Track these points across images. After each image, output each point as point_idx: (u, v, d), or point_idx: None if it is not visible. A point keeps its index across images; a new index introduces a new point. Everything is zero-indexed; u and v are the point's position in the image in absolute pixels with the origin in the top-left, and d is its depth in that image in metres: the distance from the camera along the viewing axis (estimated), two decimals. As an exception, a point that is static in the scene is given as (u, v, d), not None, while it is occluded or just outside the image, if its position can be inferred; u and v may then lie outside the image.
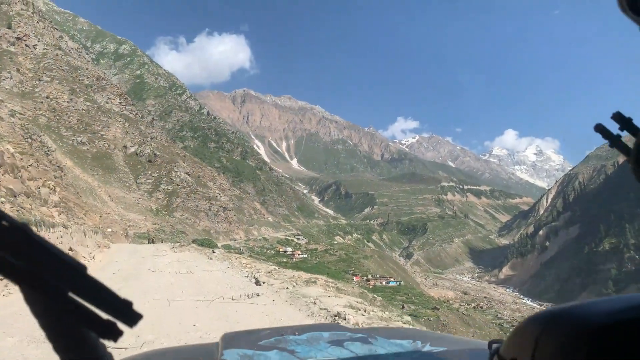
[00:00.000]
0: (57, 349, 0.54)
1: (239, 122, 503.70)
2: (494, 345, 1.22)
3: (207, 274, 15.44)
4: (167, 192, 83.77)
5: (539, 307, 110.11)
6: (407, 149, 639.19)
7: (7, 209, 11.97)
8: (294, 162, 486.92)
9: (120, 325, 0.53)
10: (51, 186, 28.06)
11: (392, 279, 72.42)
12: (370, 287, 57.45)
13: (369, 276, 69.87)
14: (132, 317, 0.52)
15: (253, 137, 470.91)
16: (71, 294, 0.52)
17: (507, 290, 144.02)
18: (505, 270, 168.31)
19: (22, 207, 13.46)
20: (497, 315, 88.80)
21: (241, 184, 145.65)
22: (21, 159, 23.96)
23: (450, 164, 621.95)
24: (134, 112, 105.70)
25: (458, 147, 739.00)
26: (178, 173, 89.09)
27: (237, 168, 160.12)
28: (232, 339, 1.94)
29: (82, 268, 0.51)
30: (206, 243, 38.93)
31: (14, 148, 33.93)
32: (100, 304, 0.52)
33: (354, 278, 64.78)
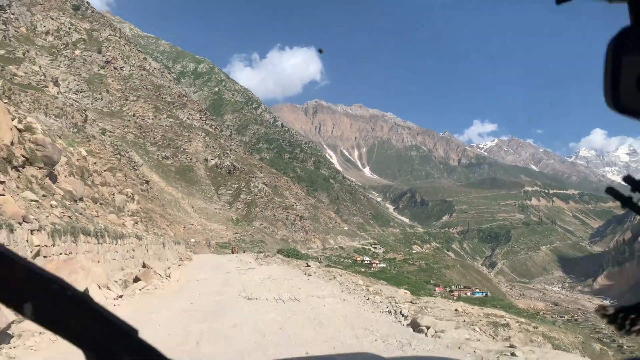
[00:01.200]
0: None
1: (312, 133, 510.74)
2: None
3: (319, 303, 11.05)
4: (246, 202, 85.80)
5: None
6: (485, 153, 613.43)
7: (57, 212, 11.49)
8: (367, 170, 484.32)
9: None
10: (129, 194, 28.22)
11: (477, 290, 68.79)
12: (455, 298, 54.75)
13: (452, 287, 66.93)
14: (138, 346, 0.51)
15: (325, 146, 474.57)
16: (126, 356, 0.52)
17: (604, 301, 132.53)
18: (601, 280, 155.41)
19: (79, 213, 12.97)
20: (594, 329, 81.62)
21: (315, 193, 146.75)
22: (94, 162, 24.49)
23: (533, 167, 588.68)
24: (213, 127, 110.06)
25: (541, 150, 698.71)
26: (256, 183, 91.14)
27: (310, 177, 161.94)
28: None
29: (133, 332, 0.52)
30: (292, 253, 37.98)
31: (103, 163, 35.78)
32: (103, 335, 0.52)
33: (436, 289, 62.19)
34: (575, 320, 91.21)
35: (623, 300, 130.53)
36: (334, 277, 17.59)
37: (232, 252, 46.18)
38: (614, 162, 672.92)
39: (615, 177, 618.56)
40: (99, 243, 12.36)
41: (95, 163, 24.28)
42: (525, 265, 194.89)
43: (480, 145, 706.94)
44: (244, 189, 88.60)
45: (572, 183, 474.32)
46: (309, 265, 23.94)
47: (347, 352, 6.00)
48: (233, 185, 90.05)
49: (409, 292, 15.13)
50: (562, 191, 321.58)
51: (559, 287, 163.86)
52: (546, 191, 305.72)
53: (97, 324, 0.51)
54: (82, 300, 0.50)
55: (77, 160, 17.75)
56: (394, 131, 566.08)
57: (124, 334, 0.52)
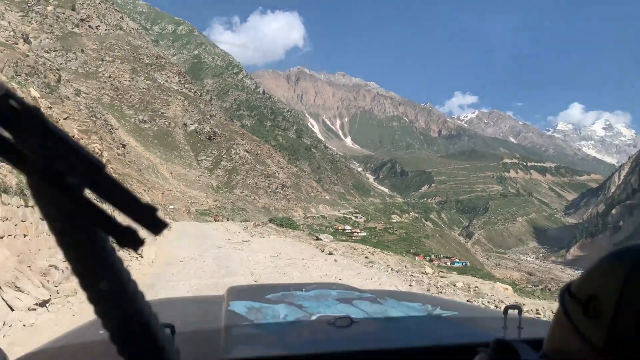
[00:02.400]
0: (69, 257, 0.45)
1: (294, 101, 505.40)
2: (510, 311, 1.18)
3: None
4: (227, 170, 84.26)
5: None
6: (465, 125, 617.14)
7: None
8: (348, 140, 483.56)
9: (142, 233, 0.44)
10: (96, 150, 26.67)
11: (457, 260, 69.41)
12: (436, 266, 54.96)
13: (432, 256, 67.28)
14: (156, 225, 0.44)
15: (307, 115, 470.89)
16: (87, 193, 0.43)
17: (576, 272, 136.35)
18: (574, 251, 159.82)
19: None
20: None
21: (297, 162, 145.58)
22: (49, 107, 22.72)
23: (512, 140, 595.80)
24: (192, 91, 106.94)
25: (520, 123, 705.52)
26: (237, 150, 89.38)
27: (292, 146, 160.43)
28: (238, 292, 1.90)
29: (100, 165, 0.41)
30: (286, 223, 33.21)
31: (78, 126, 33.88)
32: (120, 207, 0.43)
33: (417, 258, 62.47)
34: (549, 290, 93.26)
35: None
36: (369, 259, 13.31)
37: (215, 220, 44.66)
38: (590, 137, 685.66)
39: (591, 151, 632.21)
40: (26, 206, 7.47)
41: (50, 107, 22.79)
42: (501, 235, 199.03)
43: (460, 117, 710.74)
44: (224, 156, 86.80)
45: (549, 156, 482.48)
46: (319, 239, 20.42)
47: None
48: (213, 152, 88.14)
49: (509, 288, 11.25)
50: (539, 164, 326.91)
51: (533, 258, 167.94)
52: (524, 164, 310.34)
53: (51, 147, 0.39)
54: (31, 113, 0.38)
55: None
56: (376, 101, 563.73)
57: (89, 163, 0.41)
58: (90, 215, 0.43)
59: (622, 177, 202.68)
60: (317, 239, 20.36)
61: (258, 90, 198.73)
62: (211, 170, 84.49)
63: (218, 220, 43.99)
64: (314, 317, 1.48)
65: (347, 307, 1.69)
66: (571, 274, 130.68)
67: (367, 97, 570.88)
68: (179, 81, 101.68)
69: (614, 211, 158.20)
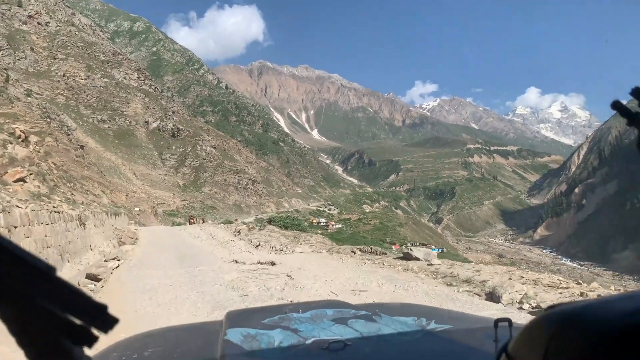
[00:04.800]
0: (29, 356, 0.45)
1: (257, 95, 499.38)
2: (500, 324, 1.20)
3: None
4: (194, 167, 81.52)
5: (579, 267, 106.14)
6: (428, 113, 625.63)
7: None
8: (315, 133, 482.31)
9: (96, 331, 0.44)
10: (17, 132, 22.64)
11: (433, 246, 69.17)
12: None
13: (408, 244, 66.92)
14: (107, 322, 0.45)
15: (272, 109, 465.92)
16: (40, 300, 0.42)
17: (544, 251, 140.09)
18: (540, 231, 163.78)
19: None
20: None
21: (265, 157, 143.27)
22: None
23: (474, 125, 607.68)
24: (153, 87, 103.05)
25: (480, 108, 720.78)
26: (203, 147, 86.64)
27: (259, 141, 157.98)
28: (236, 317, 1.92)
29: (50, 270, 0.44)
30: (291, 223, 27.00)
31: (30, 127, 31.12)
32: (72, 309, 0.45)
33: (393, 247, 61.83)
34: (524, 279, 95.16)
35: (560, 248, 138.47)
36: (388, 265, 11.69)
37: (190, 223, 40.20)
38: (547, 119, 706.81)
39: (549, 133, 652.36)
40: None
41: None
42: (470, 219, 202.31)
43: (423, 106, 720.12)
44: (190, 153, 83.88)
45: (510, 140, 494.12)
46: (412, 256, 12.89)
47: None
48: (178, 149, 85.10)
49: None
50: (501, 148, 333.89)
51: (502, 239, 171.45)
52: (487, 148, 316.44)
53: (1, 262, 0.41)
54: None
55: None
56: (341, 93, 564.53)
57: (39, 272, 0.42)
58: (44, 321, 0.41)
59: (581, 157, 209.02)
60: (408, 257, 13.09)
61: (220, 85, 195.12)
62: (177, 168, 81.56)
63: (193, 223, 39.77)
64: (308, 342, 1.49)
65: (342, 328, 1.69)
66: (539, 254, 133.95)
67: (332, 89, 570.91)
68: (138, 78, 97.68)
69: (576, 190, 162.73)
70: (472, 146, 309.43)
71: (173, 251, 15.82)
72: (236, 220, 46.39)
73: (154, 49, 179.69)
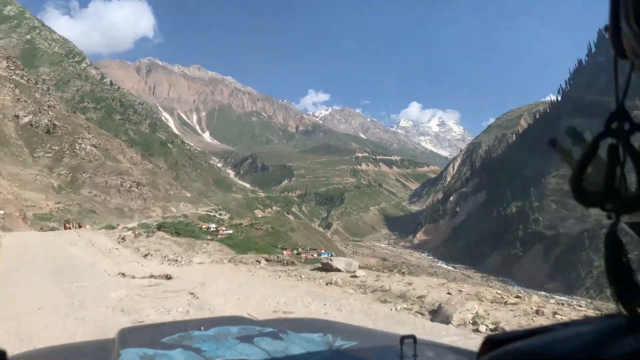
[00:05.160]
0: None
1: (145, 93, 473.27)
2: (405, 340, 1.21)
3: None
4: (71, 167, 75.08)
5: (452, 269, 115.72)
6: (320, 122, 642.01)
7: None
8: (207, 135, 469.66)
9: None
10: None
11: (323, 251, 71.15)
12: (303, 260, 55.60)
13: (299, 249, 68.04)
14: None
15: (161, 109, 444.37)
16: None
17: (423, 254, 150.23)
18: (419, 236, 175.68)
19: None
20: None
21: (152, 158, 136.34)
22: None
23: (362, 135, 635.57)
24: (25, 78, 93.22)
25: (368, 120, 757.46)
26: (83, 145, 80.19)
27: (146, 141, 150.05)
28: (131, 336, 1.77)
29: None
30: (183, 230, 24.19)
31: None
32: None
33: (284, 252, 62.57)
34: (402, 272, 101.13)
35: (437, 252, 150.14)
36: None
37: (65, 228, 36.89)
38: (427, 132, 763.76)
39: (428, 145, 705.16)
40: None
41: None
42: (357, 225, 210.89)
43: (316, 114, 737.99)
44: (67, 152, 77.09)
45: (394, 150, 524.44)
46: (260, 262, 14.05)
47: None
48: (53, 147, 77.75)
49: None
50: (386, 157, 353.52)
51: (385, 244, 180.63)
52: (374, 157, 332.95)
53: None
54: None
55: None
56: (235, 96, 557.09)
57: None
58: None
59: (456, 168, 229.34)
60: (328, 268, 12.20)
61: (105, 81, 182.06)
62: (51, 168, 74.44)
63: (69, 228, 36.55)
64: None
65: (247, 346, 1.61)
66: (419, 257, 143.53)
67: (225, 92, 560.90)
68: (7, 67, 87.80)
69: (451, 198, 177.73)
70: (360, 155, 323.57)
71: (45, 263, 13.40)
72: (118, 225, 43.64)
73: (28, 36, 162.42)
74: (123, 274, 11.45)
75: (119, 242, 19.10)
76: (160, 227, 25.30)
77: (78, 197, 68.42)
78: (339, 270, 11.78)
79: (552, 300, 13.70)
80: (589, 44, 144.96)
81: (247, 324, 2.00)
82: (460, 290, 8.93)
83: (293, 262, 14.64)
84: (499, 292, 9.20)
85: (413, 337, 1.26)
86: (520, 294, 10.29)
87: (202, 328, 1.81)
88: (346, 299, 8.77)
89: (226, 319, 2.14)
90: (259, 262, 14.30)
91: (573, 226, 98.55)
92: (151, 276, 11.14)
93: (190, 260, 14.97)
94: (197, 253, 16.60)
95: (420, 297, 8.40)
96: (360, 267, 12.57)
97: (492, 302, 7.87)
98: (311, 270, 12.44)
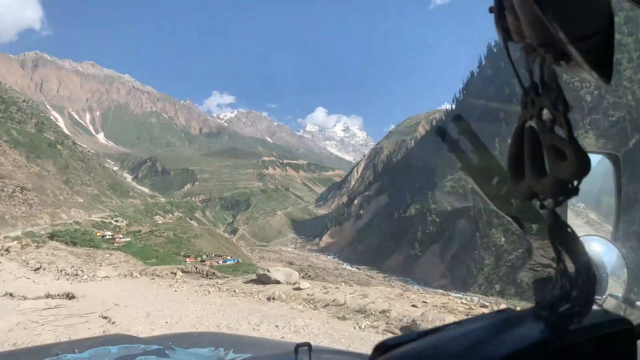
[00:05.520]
0: None
1: (31, 90, 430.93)
2: (300, 349, 1.19)
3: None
4: (-62, 170, 65.50)
5: (357, 270, 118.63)
6: (225, 124, 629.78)
7: None
8: (101, 136, 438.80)
9: None
10: None
11: (228, 257, 68.98)
12: (207, 267, 53.18)
13: (204, 256, 65.33)
14: None
15: (49, 107, 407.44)
16: None
17: (328, 257, 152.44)
18: (325, 239, 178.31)
19: None
20: (322, 285, 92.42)
21: (38, 160, 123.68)
22: None
23: (268, 139, 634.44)
24: None
25: (275, 123, 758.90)
26: (-48, 146, 70.27)
27: (32, 142, 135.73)
28: None
29: None
30: (80, 238, 21.15)
31: None
32: None
33: (188, 259, 59.54)
34: (309, 276, 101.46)
35: (342, 254, 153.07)
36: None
37: None
38: (332, 137, 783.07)
39: (334, 150, 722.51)
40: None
41: None
42: (263, 229, 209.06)
43: (221, 116, 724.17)
44: None
45: (301, 154, 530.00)
46: (175, 274, 12.85)
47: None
48: None
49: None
50: (293, 161, 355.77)
51: (292, 247, 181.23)
52: (281, 161, 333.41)
53: None
54: None
55: None
56: (132, 95, 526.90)
57: None
58: None
59: (359, 172, 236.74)
60: (265, 280, 11.32)
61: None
62: None
63: None
64: None
65: None
66: (325, 260, 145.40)
67: (122, 91, 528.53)
68: None
69: (355, 201, 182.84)
70: (267, 158, 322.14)
71: None
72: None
73: None
74: (10, 295, 9.43)
75: (1, 255, 16.54)
76: (52, 236, 22.46)
77: (-55, 204, 59.80)
78: (278, 282, 10.97)
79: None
80: (480, 57, 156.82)
81: (129, 342, 1.85)
82: (424, 302, 8.49)
83: (214, 274, 13.52)
84: (465, 301, 9.04)
85: (308, 344, 1.24)
86: (467, 302, 10.07)
87: (76, 350, 1.64)
88: (299, 317, 7.75)
89: (105, 339, 1.97)
90: (175, 274, 12.98)
91: (466, 226, 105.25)
92: (48, 296, 9.29)
93: (93, 274, 13.10)
94: (100, 265, 14.87)
95: (383, 311, 7.69)
96: (301, 277, 11.81)
97: (466, 315, 7.26)
98: (245, 283, 11.39)
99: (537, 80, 0.49)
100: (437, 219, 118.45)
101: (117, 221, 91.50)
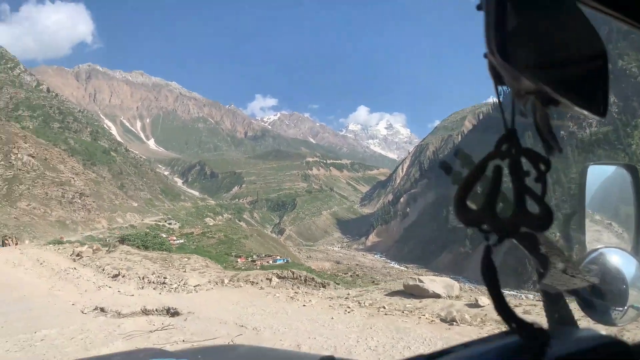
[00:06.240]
0: None
1: (85, 101, 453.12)
2: None
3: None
4: (7, 179, 70.10)
5: (405, 269, 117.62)
6: (269, 127, 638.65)
7: None
8: (152, 142, 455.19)
9: None
10: None
11: (278, 257, 70.23)
12: (258, 267, 54.40)
13: (254, 256, 66.85)
14: None
15: (102, 116, 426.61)
16: None
17: (375, 256, 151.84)
18: (372, 238, 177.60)
19: None
20: (373, 281, 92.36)
21: (94, 167, 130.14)
22: None
23: (311, 140, 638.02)
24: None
25: (317, 124, 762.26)
26: (19, 155, 75.18)
27: (87, 150, 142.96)
28: None
29: None
30: (152, 242, 20.45)
31: None
32: None
33: (239, 260, 61.11)
34: (357, 275, 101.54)
35: (389, 253, 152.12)
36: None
37: (3, 245, 33.38)
38: (375, 135, 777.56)
39: (377, 148, 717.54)
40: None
41: None
42: (310, 229, 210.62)
43: (264, 119, 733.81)
44: (2, 163, 71.89)
45: (344, 154, 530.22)
46: (269, 280, 11.16)
47: None
48: (-14, 159, 72.59)
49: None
50: (337, 161, 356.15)
51: (338, 247, 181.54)
52: (324, 161, 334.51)
53: None
54: None
55: None
56: (180, 102, 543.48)
57: None
58: None
59: (405, 170, 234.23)
60: (413, 291, 9.04)
61: (41, 87, 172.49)
62: (-16, 180, 69.43)
63: (8, 244, 33.05)
64: None
65: None
66: (372, 259, 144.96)
67: (170, 98, 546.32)
68: None
69: (401, 199, 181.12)
70: (310, 159, 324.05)
71: None
72: (61, 237, 40.48)
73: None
74: (102, 310, 8.10)
75: (74, 260, 15.85)
76: (123, 239, 21.72)
77: (15, 210, 63.97)
78: (438, 295, 8.43)
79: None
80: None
81: (158, 356, 1.86)
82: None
83: (313, 279, 10.96)
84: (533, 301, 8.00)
85: (332, 357, 1.25)
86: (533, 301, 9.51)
87: None
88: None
89: (135, 353, 1.94)
90: (270, 279, 10.99)
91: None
92: (145, 311, 7.85)
93: (183, 282, 11.35)
94: (185, 271, 13.06)
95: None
96: (463, 290, 9.16)
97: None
98: (387, 295, 9.01)
99: (535, 123, 0.50)
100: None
101: (170, 224, 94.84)
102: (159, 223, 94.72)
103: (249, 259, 64.44)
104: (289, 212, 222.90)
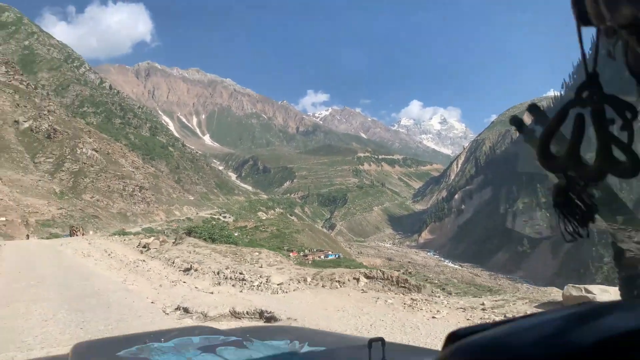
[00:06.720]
0: None
1: (145, 97, 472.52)
2: (374, 344, 1.21)
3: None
4: (73, 172, 73.68)
5: (460, 268, 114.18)
6: (320, 122, 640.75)
7: None
8: (207, 138, 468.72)
9: None
10: None
11: (330, 252, 69.77)
12: (310, 262, 54.14)
13: (306, 251, 66.71)
14: None
15: (160, 112, 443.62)
16: None
17: (428, 253, 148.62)
18: (425, 235, 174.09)
19: None
20: (426, 280, 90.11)
21: (153, 162, 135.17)
22: None
23: (363, 135, 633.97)
24: (25, 83, 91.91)
25: (369, 119, 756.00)
26: (84, 150, 78.81)
27: (146, 145, 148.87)
28: (85, 351, 1.71)
29: None
30: (219, 235, 19.95)
31: None
32: None
33: (291, 254, 61.16)
34: (410, 272, 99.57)
35: (443, 250, 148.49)
36: None
37: (72, 235, 34.08)
38: (428, 130, 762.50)
39: (430, 144, 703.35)
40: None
41: None
42: (360, 225, 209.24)
43: (316, 114, 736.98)
44: (68, 157, 75.75)
45: (396, 149, 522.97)
46: (357, 280, 9.89)
47: None
48: (54, 153, 76.44)
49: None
50: (388, 156, 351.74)
51: (390, 243, 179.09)
52: (375, 157, 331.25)
53: None
54: None
55: None
56: (234, 98, 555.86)
57: None
58: None
59: (459, 166, 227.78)
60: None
61: (104, 85, 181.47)
62: (53, 173, 73.14)
63: (76, 234, 33.65)
64: None
65: (210, 357, 1.57)
66: (425, 256, 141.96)
67: (225, 94, 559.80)
68: (6, 72, 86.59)
69: (456, 196, 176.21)
70: (362, 154, 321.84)
71: (59, 289, 9.25)
72: (123, 229, 41.83)
73: (27, 42, 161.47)
74: (185, 310, 7.42)
75: (141, 252, 15.63)
76: (189, 231, 20.79)
77: (80, 202, 67.08)
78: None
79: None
80: (592, 36, 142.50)
81: (210, 333, 1.92)
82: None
83: (406, 281, 9.60)
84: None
85: (381, 339, 1.25)
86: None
87: (163, 340, 1.75)
88: None
89: (188, 330, 2.06)
90: (358, 279, 9.71)
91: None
92: (235, 314, 7.14)
93: (264, 279, 10.34)
94: (261, 266, 12.11)
95: None
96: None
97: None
98: (536, 307, 7.76)
99: (627, 65, 0.48)
100: (548, 214, 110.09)
101: (224, 217, 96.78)
102: (214, 216, 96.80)
103: (301, 254, 64.29)
104: (339, 208, 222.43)
